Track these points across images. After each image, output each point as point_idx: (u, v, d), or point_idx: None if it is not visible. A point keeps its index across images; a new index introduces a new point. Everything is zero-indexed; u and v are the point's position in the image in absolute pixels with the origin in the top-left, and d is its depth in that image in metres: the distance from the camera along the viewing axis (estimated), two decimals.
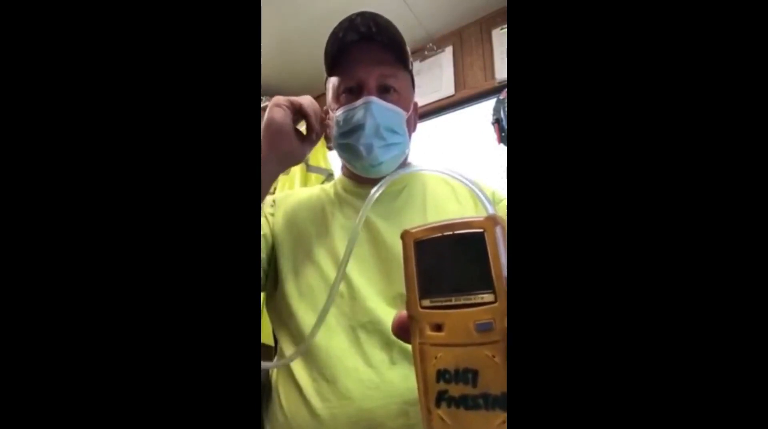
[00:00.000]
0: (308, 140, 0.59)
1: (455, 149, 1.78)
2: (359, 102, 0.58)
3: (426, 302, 0.23)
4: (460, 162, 1.72)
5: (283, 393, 0.54)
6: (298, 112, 0.56)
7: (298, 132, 0.58)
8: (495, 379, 0.20)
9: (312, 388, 0.51)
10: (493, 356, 0.21)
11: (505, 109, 1.51)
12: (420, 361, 0.23)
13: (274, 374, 0.59)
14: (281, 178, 1.65)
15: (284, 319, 0.57)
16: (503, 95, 1.54)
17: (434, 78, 1.87)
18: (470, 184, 0.28)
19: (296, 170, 1.61)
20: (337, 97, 0.61)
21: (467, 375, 0.21)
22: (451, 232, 0.23)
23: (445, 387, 0.22)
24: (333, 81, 0.62)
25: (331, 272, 0.56)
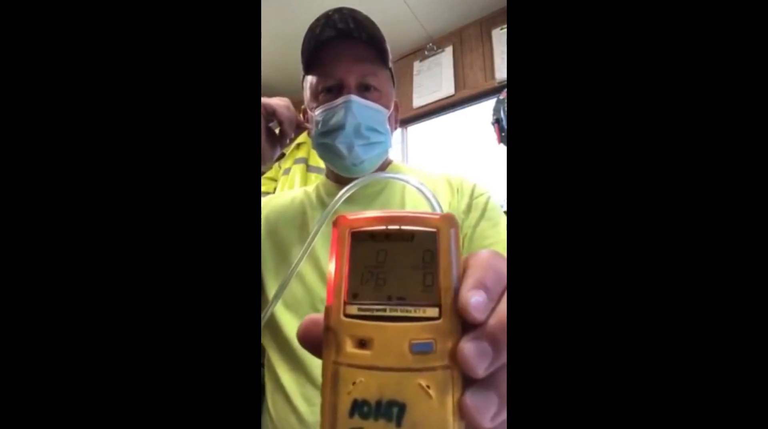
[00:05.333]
0: (279, 142, 0.57)
1: (455, 149, 1.78)
2: (339, 101, 0.56)
3: (352, 309, 0.18)
4: (459, 162, 1.72)
5: (270, 400, 0.55)
6: (271, 116, 0.55)
7: (270, 133, 0.56)
8: (426, 418, 0.16)
9: (299, 393, 0.51)
10: (428, 387, 0.17)
11: (505, 109, 1.51)
12: (331, 386, 0.18)
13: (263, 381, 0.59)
14: (281, 178, 1.65)
15: (269, 326, 0.57)
16: (503, 95, 1.54)
17: (434, 78, 1.87)
18: (421, 188, 0.25)
19: (296, 170, 1.61)
20: (315, 96, 0.59)
21: (391, 409, 0.17)
22: (397, 227, 0.19)
23: (360, 424, 0.17)
24: (310, 80, 0.60)
25: (314, 279, 0.56)
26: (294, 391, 0.51)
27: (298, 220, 0.62)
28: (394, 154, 0.72)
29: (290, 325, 0.55)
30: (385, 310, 0.18)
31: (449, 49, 1.87)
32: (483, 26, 1.79)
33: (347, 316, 0.18)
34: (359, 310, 0.18)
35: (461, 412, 0.17)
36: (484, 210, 0.58)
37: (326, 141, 0.57)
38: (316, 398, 0.50)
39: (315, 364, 0.51)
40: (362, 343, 0.18)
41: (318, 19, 0.57)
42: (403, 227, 0.19)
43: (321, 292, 0.55)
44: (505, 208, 0.91)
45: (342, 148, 0.56)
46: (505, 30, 1.68)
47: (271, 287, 0.58)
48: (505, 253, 0.20)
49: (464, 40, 1.84)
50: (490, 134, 1.56)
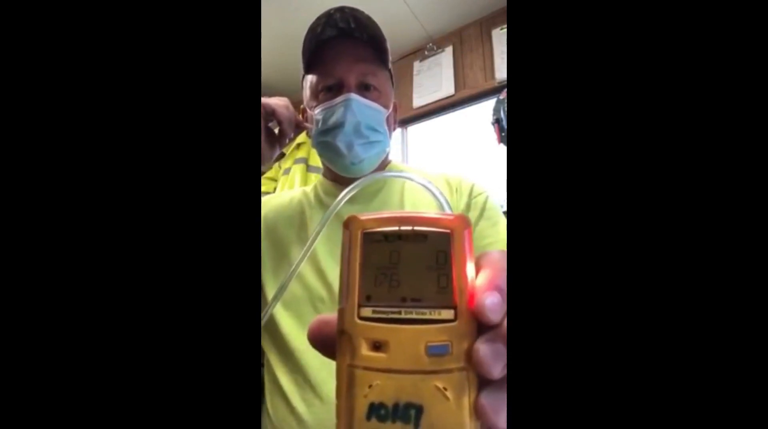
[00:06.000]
0: (278, 142, 0.57)
1: (455, 149, 1.78)
2: (339, 99, 0.56)
3: (366, 312, 0.18)
4: (459, 162, 1.72)
5: (269, 401, 0.55)
6: (270, 116, 0.55)
7: (269, 133, 0.56)
8: (443, 419, 0.17)
9: (297, 394, 0.51)
10: (445, 389, 0.17)
11: (505, 109, 1.51)
12: (347, 389, 0.17)
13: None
14: (281, 178, 1.65)
15: (267, 327, 0.57)
16: (503, 95, 1.54)
17: (434, 78, 1.87)
18: (430, 187, 0.25)
19: (296, 170, 1.61)
20: (315, 95, 0.59)
21: (409, 412, 0.17)
22: (410, 228, 0.19)
23: (377, 427, 0.17)
24: (310, 79, 0.60)
25: (313, 279, 0.56)
26: (292, 392, 0.51)
27: (297, 219, 0.62)
28: (394, 154, 0.72)
29: (289, 324, 0.55)
30: (400, 312, 0.18)
31: (449, 49, 1.87)
32: (483, 26, 1.79)
33: (361, 318, 0.18)
34: (374, 312, 0.18)
35: (477, 412, 0.17)
36: (483, 209, 0.59)
37: (326, 139, 0.57)
38: (315, 399, 0.50)
39: (313, 364, 0.51)
40: (377, 346, 0.18)
41: (319, 18, 0.57)
42: (417, 228, 0.19)
43: (320, 290, 0.55)
44: (504, 208, 0.91)
45: (342, 146, 0.56)
46: (505, 30, 1.68)
47: (269, 287, 0.58)
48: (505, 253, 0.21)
49: (464, 40, 1.84)
50: (490, 134, 1.56)
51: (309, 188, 0.68)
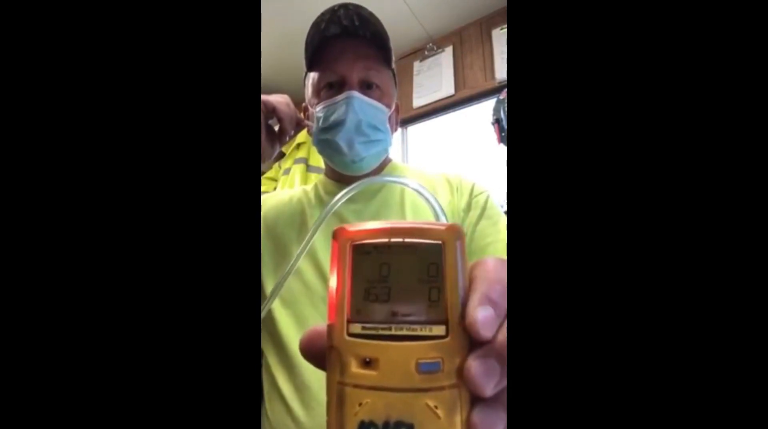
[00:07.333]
0: (279, 140, 0.57)
1: (455, 149, 1.78)
2: (340, 97, 0.55)
3: (356, 328, 0.18)
4: (459, 162, 1.72)
5: (268, 404, 0.54)
6: (271, 113, 0.55)
7: (270, 130, 0.56)
8: None
9: (296, 397, 0.51)
10: (436, 407, 0.16)
11: (505, 109, 1.51)
12: (337, 407, 0.17)
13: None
14: (281, 178, 1.65)
15: (266, 327, 0.56)
16: (503, 95, 1.54)
17: (434, 78, 1.87)
18: (426, 195, 0.24)
19: (296, 170, 1.61)
20: (317, 92, 0.59)
21: None
22: (400, 240, 0.18)
23: None
24: (313, 76, 0.60)
25: (313, 277, 0.55)
26: (291, 395, 0.51)
27: (297, 218, 0.62)
28: (394, 154, 0.72)
29: (288, 325, 0.54)
30: (390, 328, 0.17)
31: (449, 49, 1.87)
32: (483, 26, 1.79)
33: (351, 335, 0.18)
34: (363, 328, 0.18)
35: None
36: (484, 208, 0.58)
37: (327, 137, 0.57)
38: (313, 402, 0.49)
39: (311, 368, 0.51)
40: (367, 363, 0.17)
41: (323, 14, 0.57)
42: (407, 240, 0.18)
43: (320, 289, 0.54)
44: (504, 208, 0.90)
45: (342, 144, 0.55)
46: (505, 30, 1.68)
47: (269, 286, 0.58)
48: (505, 252, 0.20)
49: (464, 40, 1.84)
50: (490, 134, 1.56)
51: (309, 187, 0.67)
